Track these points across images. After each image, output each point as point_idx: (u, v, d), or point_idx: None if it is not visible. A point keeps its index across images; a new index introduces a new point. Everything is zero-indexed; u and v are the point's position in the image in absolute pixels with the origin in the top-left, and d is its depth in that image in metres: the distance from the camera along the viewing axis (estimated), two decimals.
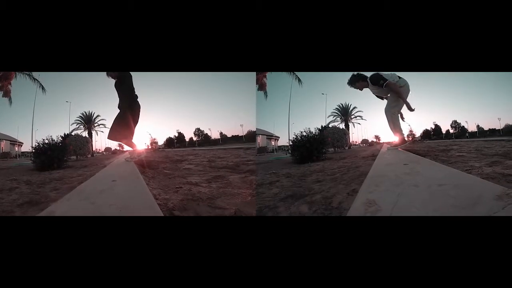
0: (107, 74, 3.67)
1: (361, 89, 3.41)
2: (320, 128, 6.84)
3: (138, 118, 3.76)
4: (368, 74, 3.33)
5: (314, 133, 5.11)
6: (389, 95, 3.27)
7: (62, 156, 4.69)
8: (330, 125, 7.02)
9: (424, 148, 3.80)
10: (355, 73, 3.34)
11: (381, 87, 3.17)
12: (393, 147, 3.29)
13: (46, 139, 5.04)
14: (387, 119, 3.28)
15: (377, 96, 3.38)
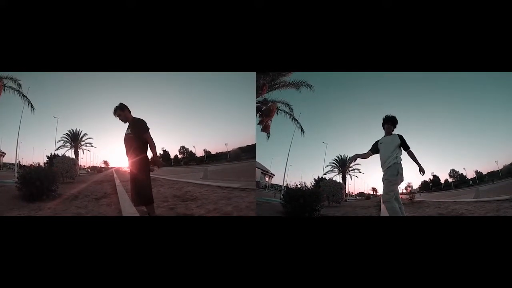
0: (115, 114, 2.54)
1: (385, 130, 3.13)
2: (316, 179, 6.78)
3: None
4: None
5: (309, 187, 4.87)
6: (384, 182, 3.06)
7: (51, 186, 4.59)
8: (326, 176, 7.14)
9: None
10: (395, 117, 3.11)
11: (398, 148, 2.99)
12: None
13: (33, 165, 4.94)
14: (389, 212, 2.96)
15: (371, 153, 3.19)
